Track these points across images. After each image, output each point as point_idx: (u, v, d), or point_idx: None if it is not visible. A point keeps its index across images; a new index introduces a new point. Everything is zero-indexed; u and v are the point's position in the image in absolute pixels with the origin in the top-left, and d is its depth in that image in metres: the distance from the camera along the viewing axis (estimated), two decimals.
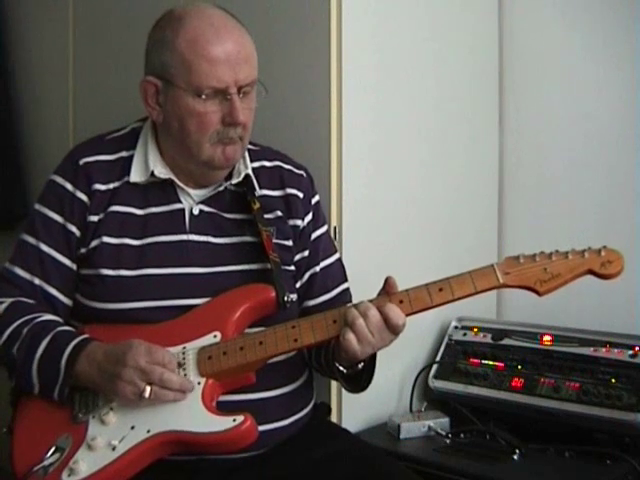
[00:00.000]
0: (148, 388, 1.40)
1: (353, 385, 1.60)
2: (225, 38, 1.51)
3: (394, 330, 1.46)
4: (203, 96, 1.50)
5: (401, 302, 1.47)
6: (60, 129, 2.60)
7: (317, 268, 1.70)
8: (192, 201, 1.61)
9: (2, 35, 2.76)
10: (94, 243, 1.56)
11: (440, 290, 1.47)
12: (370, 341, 1.45)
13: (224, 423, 1.41)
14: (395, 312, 1.45)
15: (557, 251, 1.48)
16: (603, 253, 1.46)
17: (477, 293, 1.48)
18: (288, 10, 2.00)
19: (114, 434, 1.42)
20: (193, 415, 1.42)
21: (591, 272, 1.46)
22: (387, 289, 1.49)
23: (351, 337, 1.44)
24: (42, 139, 2.71)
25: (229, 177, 1.64)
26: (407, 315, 1.47)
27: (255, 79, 1.56)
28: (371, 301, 1.48)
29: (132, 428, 1.42)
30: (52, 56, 2.65)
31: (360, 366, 1.54)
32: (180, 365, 1.46)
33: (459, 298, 1.48)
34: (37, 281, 1.57)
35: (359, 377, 1.57)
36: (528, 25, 2.40)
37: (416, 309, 1.48)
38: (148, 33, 1.59)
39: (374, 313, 1.44)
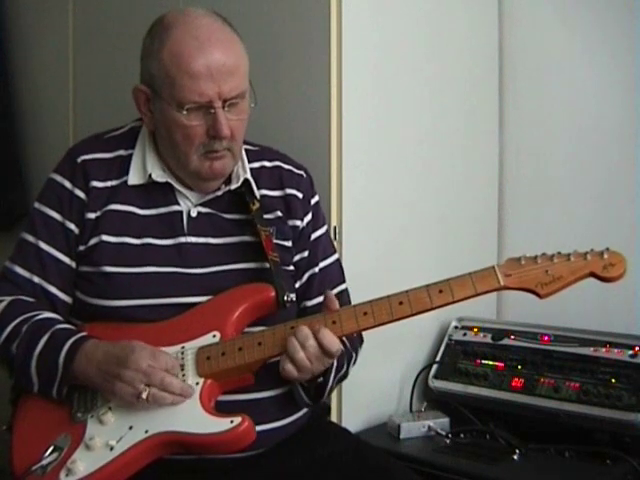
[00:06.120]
0: (146, 390, 1.40)
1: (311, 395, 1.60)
2: (208, 51, 1.48)
3: (329, 356, 1.45)
4: (184, 111, 1.49)
5: (334, 323, 1.46)
6: (60, 129, 2.60)
7: (316, 269, 1.69)
8: (190, 203, 1.61)
9: (2, 36, 2.76)
10: (93, 241, 1.56)
11: (440, 292, 1.46)
12: (308, 368, 1.45)
13: (222, 424, 1.40)
14: (328, 338, 1.44)
15: (559, 253, 1.46)
16: (606, 255, 1.44)
17: (477, 295, 1.46)
18: (288, 11, 2.00)
19: (112, 434, 1.41)
20: (191, 416, 1.41)
21: (593, 275, 1.44)
22: (327, 304, 1.49)
23: (290, 368, 1.44)
24: (42, 139, 2.71)
25: (228, 181, 1.63)
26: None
27: (243, 90, 1.52)
28: (310, 322, 1.46)
29: (130, 428, 1.41)
30: (52, 57, 2.65)
31: (319, 380, 1.54)
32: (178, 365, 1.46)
33: (459, 300, 1.46)
34: (36, 279, 1.57)
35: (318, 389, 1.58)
36: (528, 25, 2.40)
37: (415, 311, 1.46)
38: (143, 38, 1.58)
39: (312, 343, 1.43)
